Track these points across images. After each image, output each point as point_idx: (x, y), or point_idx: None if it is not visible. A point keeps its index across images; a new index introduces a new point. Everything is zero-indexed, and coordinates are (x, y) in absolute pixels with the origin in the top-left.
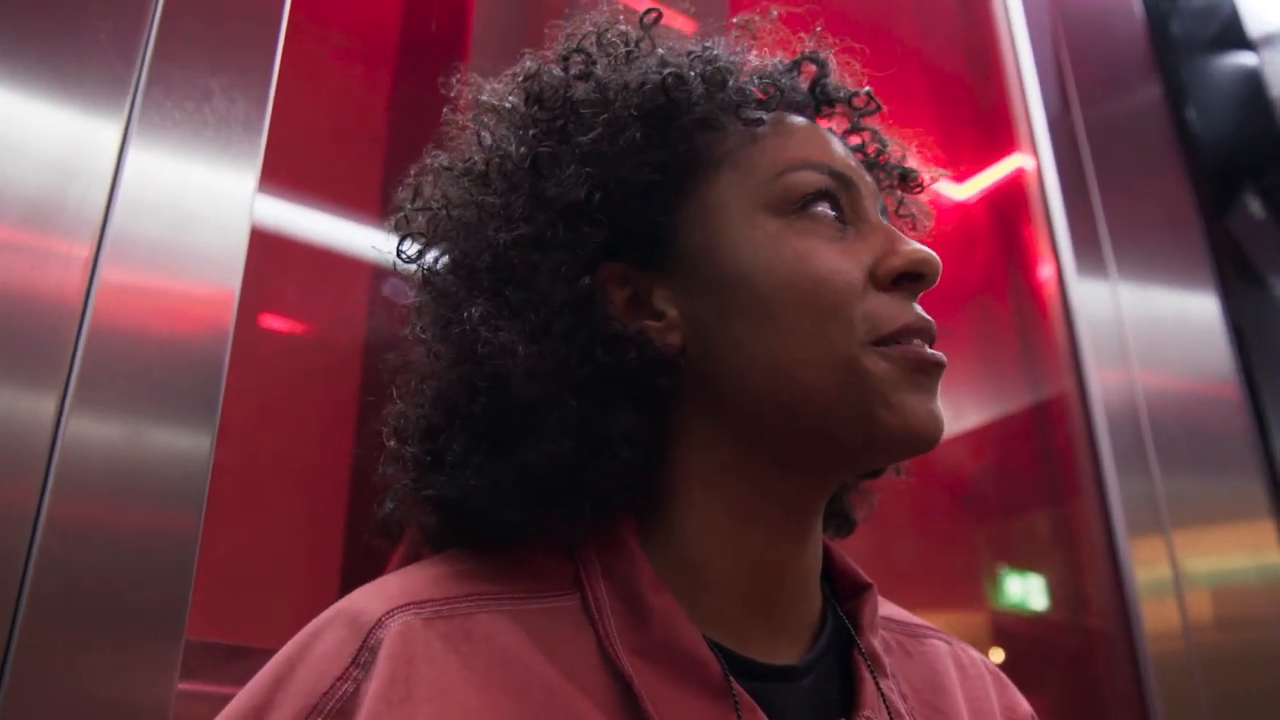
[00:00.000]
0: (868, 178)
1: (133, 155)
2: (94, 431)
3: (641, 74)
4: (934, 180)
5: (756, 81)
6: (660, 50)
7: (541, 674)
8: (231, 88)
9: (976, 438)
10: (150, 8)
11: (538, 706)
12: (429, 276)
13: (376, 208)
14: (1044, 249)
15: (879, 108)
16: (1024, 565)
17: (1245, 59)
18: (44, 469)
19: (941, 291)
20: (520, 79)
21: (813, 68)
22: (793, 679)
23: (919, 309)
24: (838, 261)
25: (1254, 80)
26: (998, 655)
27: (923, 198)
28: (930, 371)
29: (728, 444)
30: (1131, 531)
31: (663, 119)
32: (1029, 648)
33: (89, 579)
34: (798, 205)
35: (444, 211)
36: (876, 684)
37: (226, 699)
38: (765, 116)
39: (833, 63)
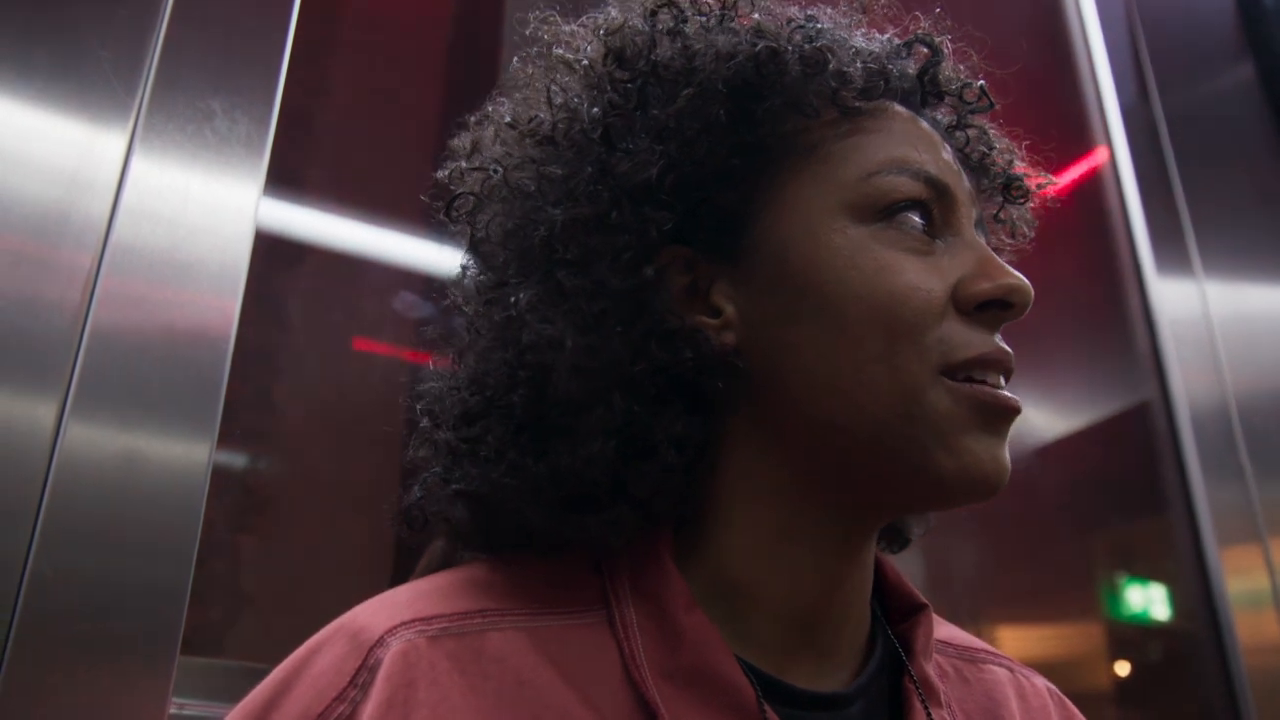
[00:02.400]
0: (966, 184)
1: (135, 171)
2: (93, 441)
3: (733, 42)
4: (1041, 189)
5: (860, 63)
6: (758, 14)
7: (556, 699)
8: (233, 108)
9: (1062, 447)
10: (153, 32)
11: None
12: (477, 242)
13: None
14: (1123, 247)
15: (991, 105)
16: (1122, 577)
17: None
18: (43, 478)
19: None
20: (602, 30)
21: (924, 52)
22: (837, 707)
23: (999, 341)
24: (921, 278)
25: None
26: (1123, 667)
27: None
28: (1002, 415)
29: (777, 459)
30: (1224, 540)
31: (751, 97)
32: (1132, 659)
33: (85, 587)
34: (885, 212)
35: (500, 173)
36: (928, 713)
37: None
38: (865, 106)
39: (947, 49)
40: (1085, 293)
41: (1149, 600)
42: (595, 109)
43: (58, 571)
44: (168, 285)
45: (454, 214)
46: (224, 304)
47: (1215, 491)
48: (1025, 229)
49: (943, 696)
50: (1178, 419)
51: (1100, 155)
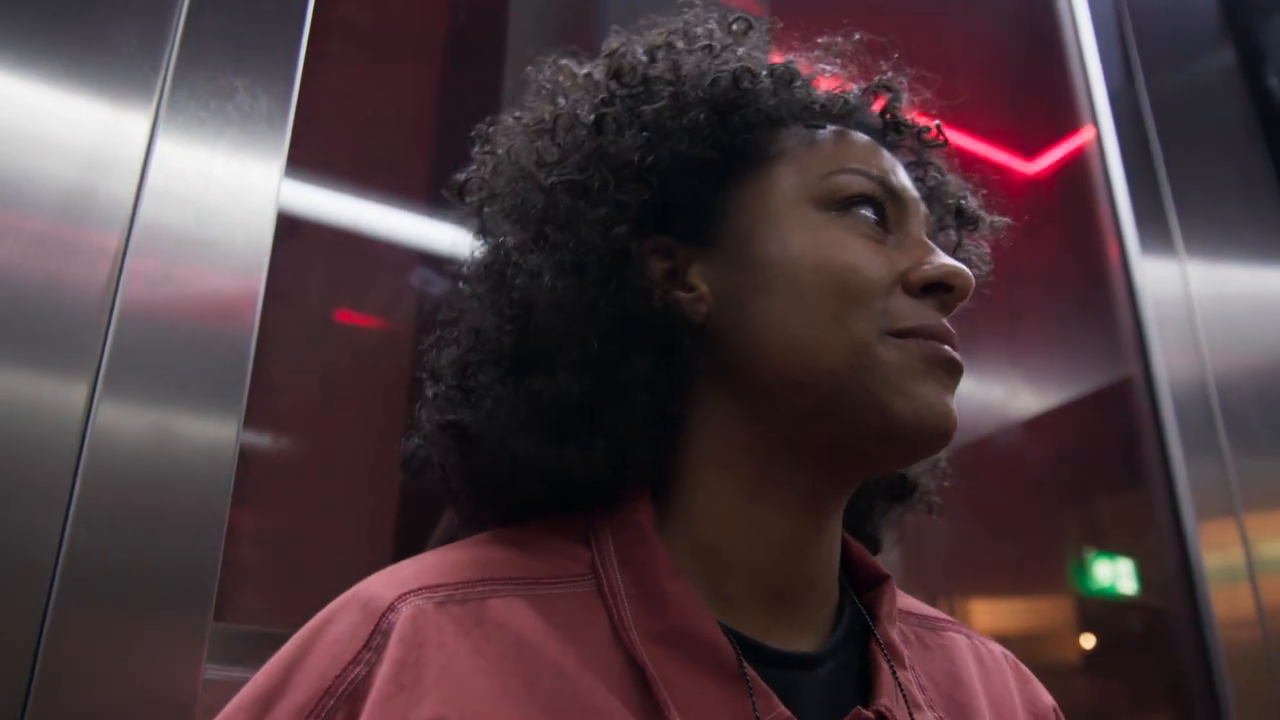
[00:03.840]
0: (922, 205)
1: (160, 151)
2: (123, 420)
3: (716, 65)
4: (993, 227)
5: (828, 97)
6: (741, 50)
7: (555, 659)
8: (255, 85)
9: (1045, 422)
10: (176, 8)
11: (550, 692)
12: (485, 226)
13: (411, 194)
14: (1107, 226)
15: (945, 143)
16: (1095, 550)
17: None
18: (75, 457)
19: (1007, 273)
20: (605, 54)
21: (886, 94)
22: (809, 667)
23: (941, 317)
24: (870, 258)
25: None
26: (1088, 640)
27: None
28: (946, 366)
29: (744, 423)
30: (1201, 515)
31: (728, 107)
32: (1101, 634)
33: (119, 565)
34: (843, 204)
35: (506, 158)
36: (895, 675)
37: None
38: (828, 126)
39: (905, 94)
40: (1070, 270)
41: (1117, 574)
42: (590, 110)
43: (94, 546)
44: (193, 263)
45: (466, 201)
46: (249, 280)
47: (1194, 467)
48: (981, 266)
49: (906, 660)
50: (1159, 396)
51: (1087, 134)
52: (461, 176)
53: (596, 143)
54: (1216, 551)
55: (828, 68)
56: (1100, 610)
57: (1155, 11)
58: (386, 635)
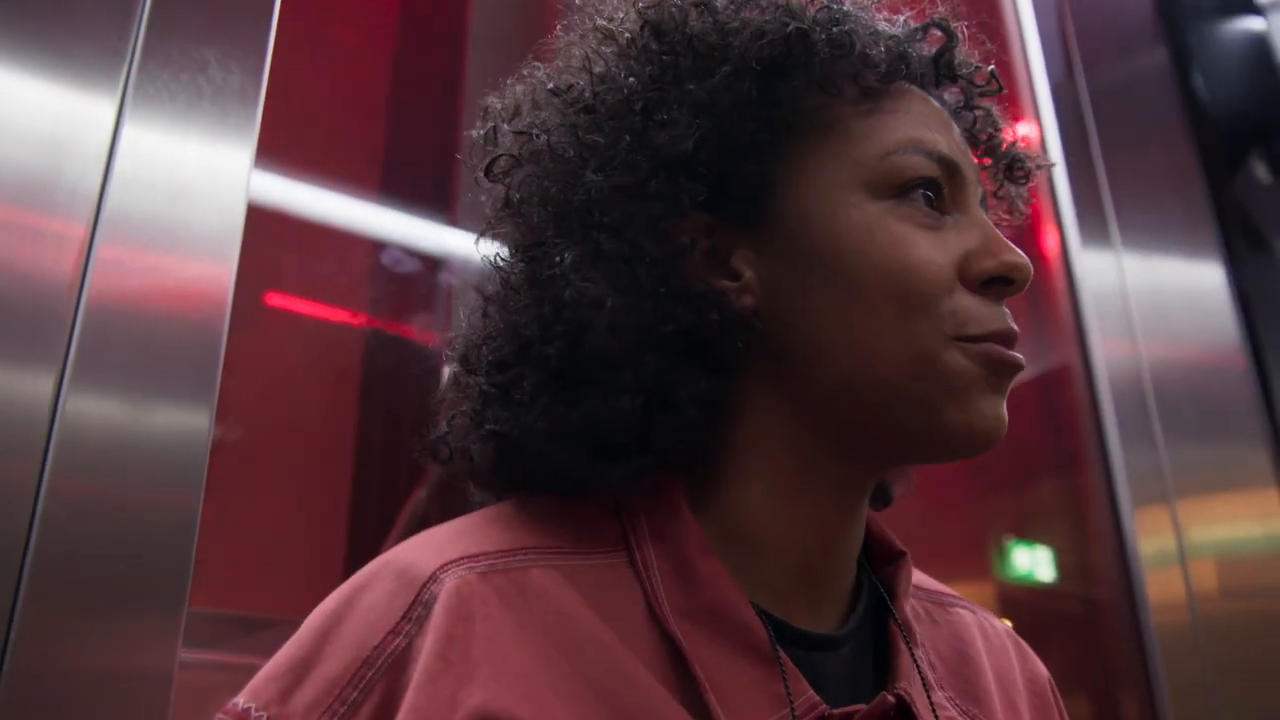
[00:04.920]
0: (973, 163)
1: (128, 129)
2: (93, 409)
3: (764, 21)
4: (1041, 170)
5: (882, 47)
6: None
7: (594, 632)
8: (227, 58)
9: None
10: None
11: (591, 665)
12: (514, 201)
13: (374, 180)
14: (1048, 218)
15: (1000, 89)
16: (1030, 536)
17: (1253, 24)
18: (43, 447)
19: None
20: (638, 3)
21: (939, 35)
22: (833, 648)
23: (1008, 316)
24: (931, 252)
25: (1261, 45)
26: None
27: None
28: (1007, 374)
29: (789, 418)
30: (1136, 502)
31: (779, 74)
32: (1034, 618)
33: (89, 555)
34: (900, 189)
35: (543, 138)
36: (912, 654)
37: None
38: (884, 88)
39: (961, 34)
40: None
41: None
42: (633, 79)
43: (63, 536)
44: (163, 249)
45: (492, 173)
46: (220, 265)
47: (1130, 455)
48: (1022, 206)
49: (918, 636)
50: (1097, 385)
51: (1029, 128)
52: (478, 133)
53: (643, 128)
54: (1151, 537)
55: (873, 6)
56: (1025, 595)
57: (1095, 9)
58: (429, 607)
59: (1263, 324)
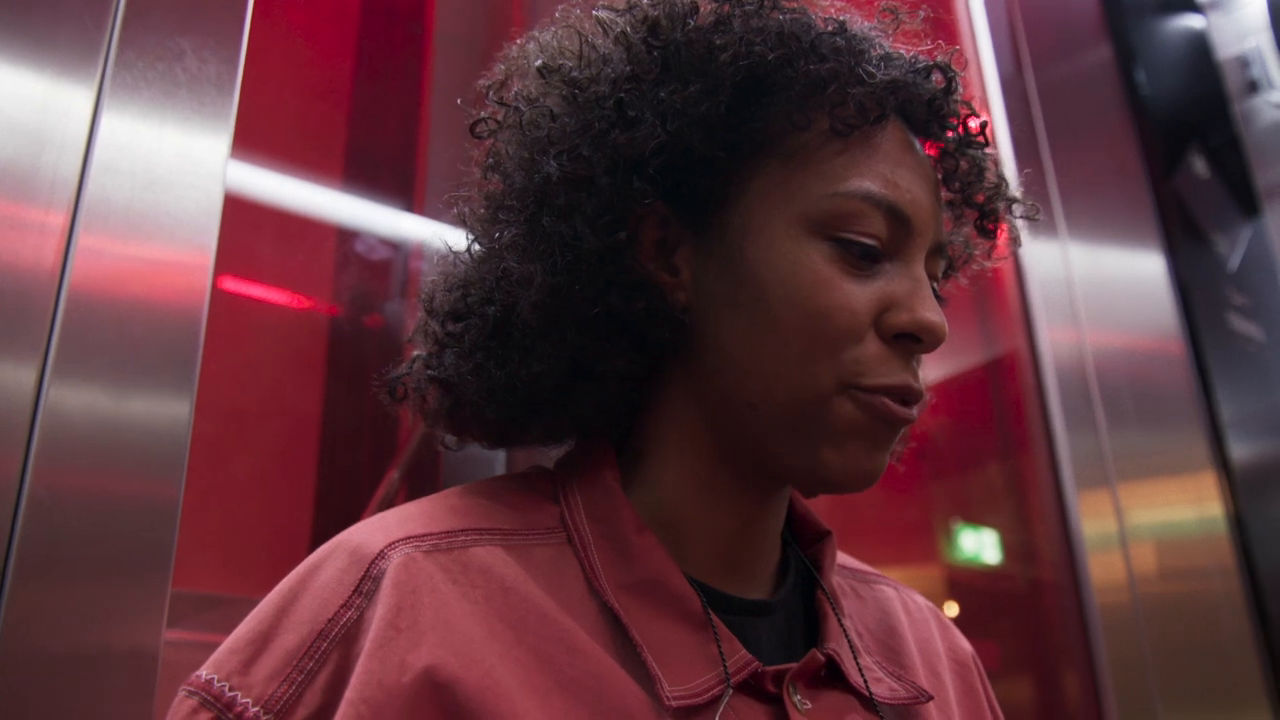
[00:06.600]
0: (932, 212)
1: (106, 118)
2: (75, 399)
3: (750, 41)
4: (1013, 237)
5: (866, 86)
6: (784, 16)
7: (537, 604)
8: (202, 47)
9: (932, 394)
10: None
11: (534, 633)
12: (496, 158)
13: (339, 170)
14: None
15: (986, 143)
16: (977, 520)
17: (1193, 22)
18: (25, 438)
19: None
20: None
21: (939, 79)
22: (765, 613)
23: (912, 374)
24: (849, 300)
25: (1201, 43)
26: (951, 609)
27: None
28: (894, 427)
29: (702, 416)
30: (1079, 485)
31: (754, 97)
32: (981, 599)
33: (73, 545)
34: (835, 232)
35: (524, 111)
36: (840, 621)
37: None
38: (856, 128)
39: (958, 82)
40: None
41: (982, 544)
42: (613, 74)
43: (46, 527)
44: (143, 233)
45: (475, 132)
46: (199, 252)
47: (1074, 440)
48: (986, 260)
49: (845, 609)
50: (1043, 372)
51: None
52: (482, 83)
53: (611, 121)
54: (1093, 520)
55: (874, 41)
56: (972, 577)
57: (1043, 7)
58: (378, 581)
59: (1200, 312)
